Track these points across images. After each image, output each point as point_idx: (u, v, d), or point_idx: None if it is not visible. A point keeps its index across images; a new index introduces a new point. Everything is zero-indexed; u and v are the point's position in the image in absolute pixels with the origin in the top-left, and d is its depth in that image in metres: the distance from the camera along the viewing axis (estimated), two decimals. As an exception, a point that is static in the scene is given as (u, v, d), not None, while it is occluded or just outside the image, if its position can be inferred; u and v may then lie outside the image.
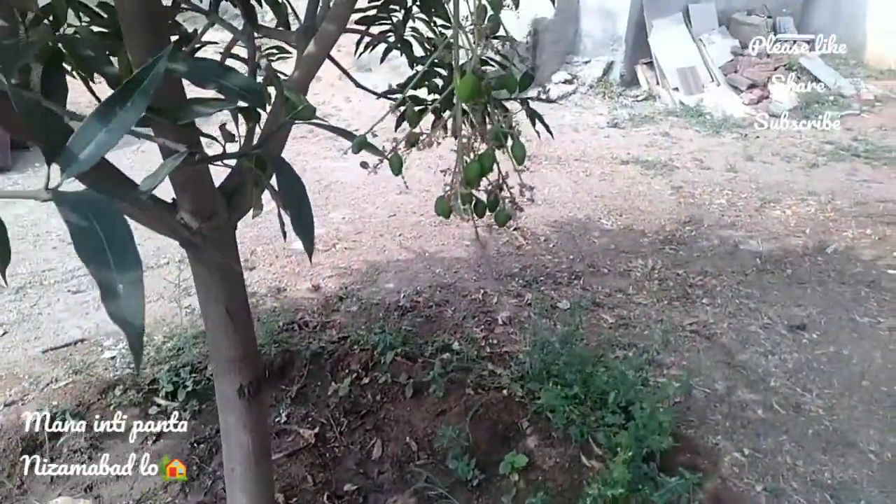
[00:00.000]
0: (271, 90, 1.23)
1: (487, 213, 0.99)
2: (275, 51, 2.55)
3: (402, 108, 2.24)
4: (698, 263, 3.60)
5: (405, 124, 1.04)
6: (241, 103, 0.84)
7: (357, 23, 2.27)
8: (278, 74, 1.56)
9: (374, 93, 2.22)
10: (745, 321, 3.07)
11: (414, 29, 2.37)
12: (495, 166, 0.94)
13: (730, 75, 7.15)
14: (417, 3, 2.32)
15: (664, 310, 3.15)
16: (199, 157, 0.93)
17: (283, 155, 1.44)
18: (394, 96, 2.20)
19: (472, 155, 0.91)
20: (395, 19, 2.36)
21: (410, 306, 3.07)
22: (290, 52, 2.20)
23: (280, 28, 1.92)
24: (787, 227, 4.08)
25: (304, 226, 0.84)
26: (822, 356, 2.82)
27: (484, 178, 0.94)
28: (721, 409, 2.45)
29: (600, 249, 3.75)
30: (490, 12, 0.89)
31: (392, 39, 2.37)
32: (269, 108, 1.26)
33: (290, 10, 1.96)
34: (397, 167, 0.99)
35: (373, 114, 6.10)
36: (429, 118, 1.05)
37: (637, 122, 6.34)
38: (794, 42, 7.60)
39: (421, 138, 0.98)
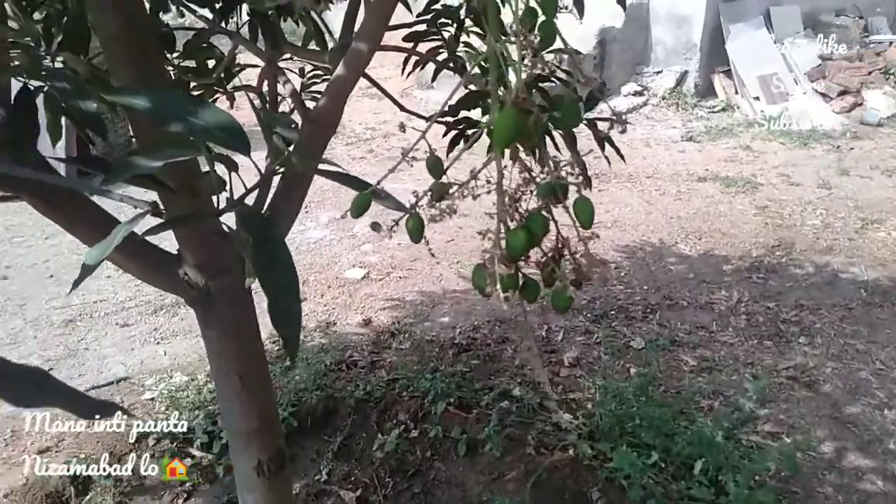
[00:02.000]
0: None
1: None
2: (320, 72, 2.37)
3: (452, 134, 1.99)
4: (792, 295, 3.19)
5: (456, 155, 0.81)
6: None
7: (404, 39, 2.06)
8: (304, 104, 1.36)
9: (422, 116, 1.99)
10: (852, 366, 2.65)
11: (468, 44, 2.14)
12: (552, 225, 0.69)
13: (818, 81, 6.59)
14: (471, 15, 2.09)
15: (754, 350, 2.77)
16: (167, 219, 0.72)
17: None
18: (444, 119, 1.97)
19: (516, 217, 0.67)
20: (446, 34, 2.14)
21: (466, 344, 2.82)
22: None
23: (312, 48, 1.73)
24: (894, 252, 3.60)
25: (285, 316, 0.61)
26: (950, 411, 2.39)
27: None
28: (830, 478, 2.07)
29: (678, 278, 3.39)
30: (541, 17, 0.65)
31: (443, 57, 2.15)
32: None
33: (324, 28, 1.76)
34: (417, 231, 0.76)
35: (437, 134, 5.91)
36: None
37: (714, 135, 5.89)
38: (891, 43, 6.98)
39: (451, 192, 0.74)
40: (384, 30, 1.28)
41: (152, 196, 0.87)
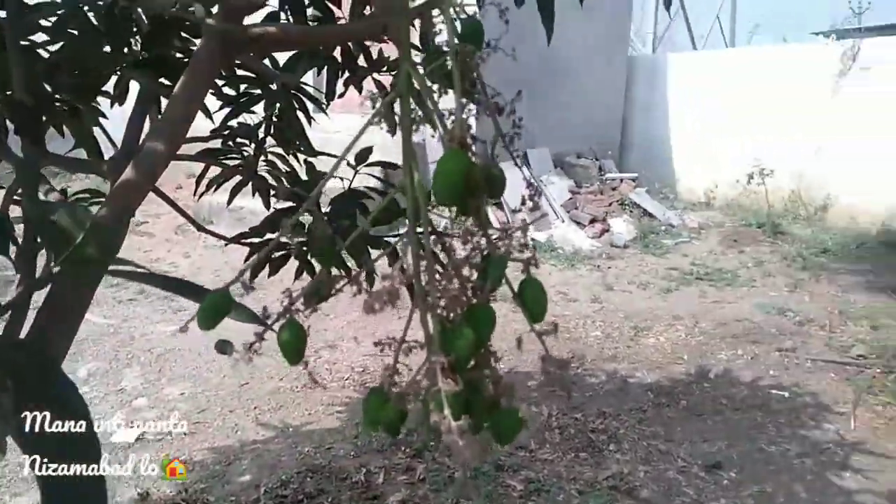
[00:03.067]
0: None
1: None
2: (86, 195, 2.01)
3: (258, 255, 1.76)
4: (594, 404, 3.32)
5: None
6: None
7: (195, 157, 1.83)
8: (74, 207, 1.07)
9: (224, 238, 1.75)
10: (660, 467, 2.76)
11: (269, 163, 1.97)
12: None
13: (572, 212, 7.51)
14: (272, 133, 1.95)
15: (573, 465, 2.76)
16: None
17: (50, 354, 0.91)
18: (248, 241, 1.75)
19: (451, 314, 0.50)
20: (244, 153, 1.96)
21: (275, 504, 2.41)
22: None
23: (85, 159, 1.44)
24: (666, 355, 3.99)
25: None
26: (749, 499, 2.55)
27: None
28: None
29: (489, 400, 3.35)
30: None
31: (240, 177, 1.96)
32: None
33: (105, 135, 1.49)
34: (295, 347, 0.54)
35: (217, 267, 5.50)
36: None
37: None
38: (621, 180, 8.28)
39: (337, 286, 0.55)
40: (187, 127, 1.07)
41: None
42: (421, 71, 0.52)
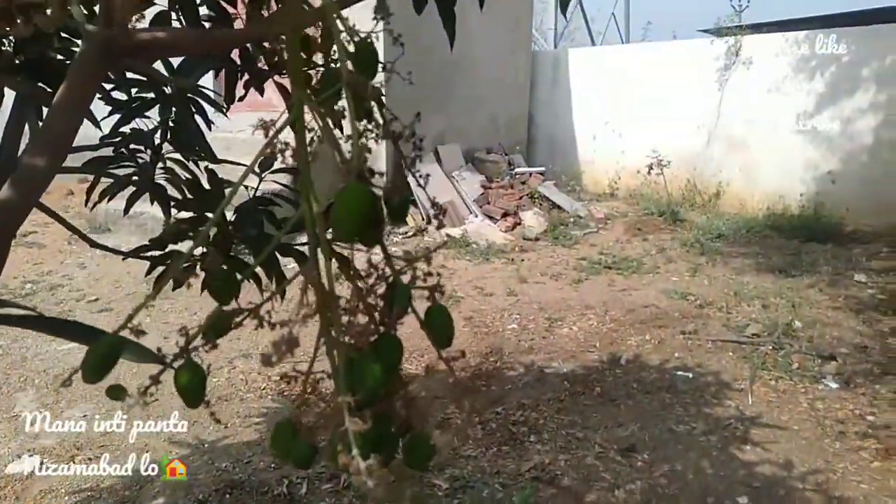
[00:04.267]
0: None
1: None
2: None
3: (158, 270, 1.67)
4: (513, 397, 3.38)
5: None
6: None
7: (84, 167, 1.71)
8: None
9: (120, 252, 1.64)
10: (579, 454, 2.84)
11: (167, 170, 1.87)
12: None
13: (484, 206, 7.61)
14: (169, 138, 1.85)
15: (496, 459, 2.80)
16: None
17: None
18: (149, 254, 1.65)
19: (358, 345, 0.48)
20: (140, 160, 1.84)
21: (192, 526, 2.31)
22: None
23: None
24: (579, 344, 4.12)
25: None
26: (661, 478, 2.68)
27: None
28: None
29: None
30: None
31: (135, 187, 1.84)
32: None
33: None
34: (194, 390, 0.51)
35: (116, 278, 5.18)
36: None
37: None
38: (530, 174, 8.47)
39: (237, 320, 0.52)
40: (71, 139, 0.99)
41: None
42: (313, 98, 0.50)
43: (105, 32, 0.85)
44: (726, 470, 2.72)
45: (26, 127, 1.44)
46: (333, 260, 0.49)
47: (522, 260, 6.20)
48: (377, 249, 0.52)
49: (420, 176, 0.53)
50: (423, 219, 7.26)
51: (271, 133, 0.50)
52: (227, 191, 1.73)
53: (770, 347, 3.94)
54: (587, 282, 5.48)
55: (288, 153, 0.49)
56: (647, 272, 5.73)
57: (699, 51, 8.47)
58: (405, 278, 0.52)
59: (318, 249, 0.47)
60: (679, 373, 3.68)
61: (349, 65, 0.48)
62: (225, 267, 0.51)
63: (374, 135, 0.48)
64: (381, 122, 0.49)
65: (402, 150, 0.52)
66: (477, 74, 8.54)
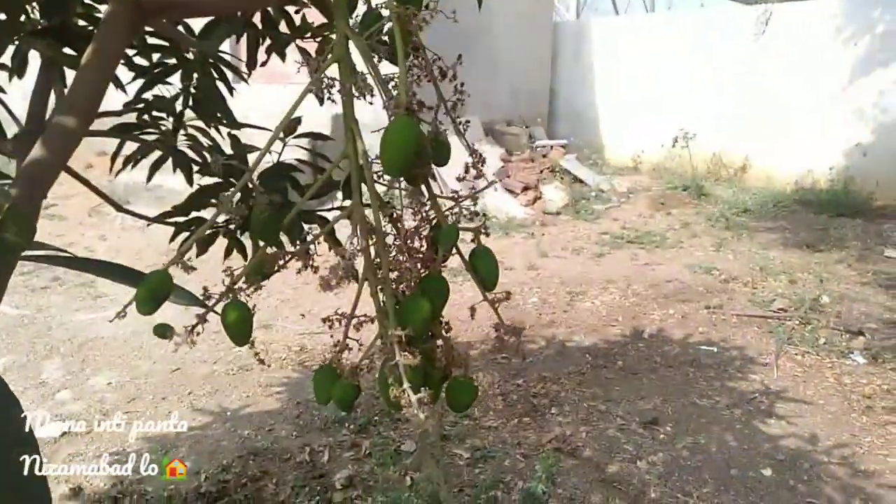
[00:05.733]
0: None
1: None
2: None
3: (185, 235, 1.66)
4: (534, 370, 3.37)
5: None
6: None
7: (110, 132, 1.70)
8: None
9: (146, 217, 1.64)
10: (600, 426, 2.83)
11: (190, 136, 1.86)
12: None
13: (504, 180, 7.55)
14: (191, 104, 1.83)
15: (517, 430, 2.80)
16: None
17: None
18: (172, 220, 1.65)
19: (400, 286, 0.47)
20: (162, 127, 1.83)
21: (217, 491, 2.34)
22: (10, 177, 1.56)
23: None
24: (601, 318, 4.09)
25: None
26: (683, 450, 2.66)
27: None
28: (619, 543, 2.10)
29: (431, 371, 3.35)
30: None
31: (159, 151, 1.83)
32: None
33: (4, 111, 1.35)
34: (241, 327, 0.50)
35: (137, 249, 5.24)
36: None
37: (431, 231, 6.28)
38: (552, 147, 8.36)
39: (277, 262, 0.50)
40: (99, 101, 0.98)
41: None
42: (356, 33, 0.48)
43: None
44: (750, 443, 2.69)
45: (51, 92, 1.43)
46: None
47: (543, 234, 6.16)
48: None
49: (460, 123, 0.51)
50: (440, 191, 7.23)
51: (313, 78, 0.48)
52: (251, 156, 1.72)
53: (796, 322, 3.88)
54: (609, 256, 5.43)
55: (335, 88, 0.48)
56: (671, 247, 5.66)
57: (727, 20, 8.25)
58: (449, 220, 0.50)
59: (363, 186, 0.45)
60: (703, 347, 3.64)
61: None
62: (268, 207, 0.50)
63: (416, 75, 0.46)
64: (423, 60, 0.47)
65: (442, 93, 0.50)
66: (497, 46, 8.40)
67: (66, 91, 1.36)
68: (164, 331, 0.48)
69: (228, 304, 0.47)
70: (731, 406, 2.99)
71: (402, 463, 2.53)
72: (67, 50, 1.31)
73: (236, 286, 0.46)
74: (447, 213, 0.50)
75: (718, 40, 8.23)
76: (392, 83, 0.45)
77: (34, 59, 1.40)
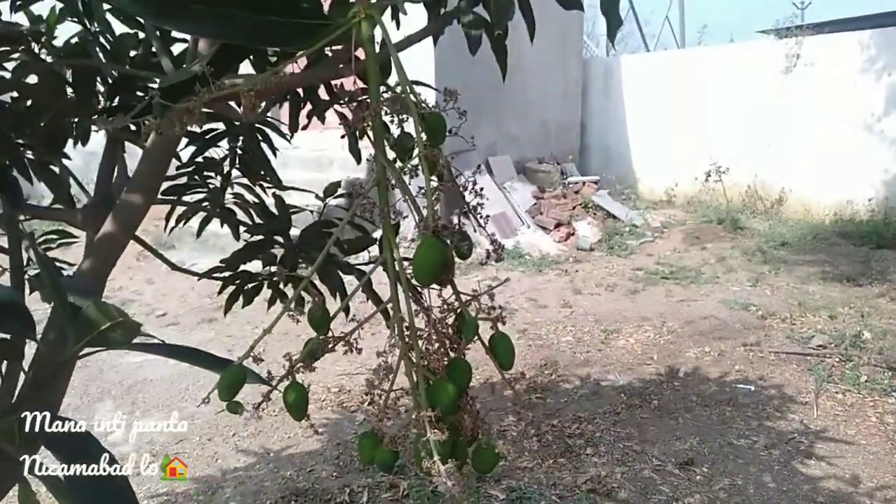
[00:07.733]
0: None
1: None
2: (54, 236, 2.03)
3: (230, 289, 1.78)
4: (569, 409, 3.39)
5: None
6: None
7: (164, 193, 1.85)
8: (57, 267, 1.09)
9: (195, 273, 1.77)
10: (636, 467, 2.84)
11: (237, 195, 2.00)
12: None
13: (536, 217, 7.63)
14: (238, 166, 1.97)
15: (552, 471, 2.83)
16: None
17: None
18: (220, 275, 1.77)
19: (428, 370, 0.55)
20: (211, 186, 1.98)
21: (260, 532, 2.42)
22: (77, 237, 1.71)
23: (57, 206, 1.45)
24: (636, 356, 4.09)
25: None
26: (721, 492, 2.65)
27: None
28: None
29: (466, 411, 3.40)
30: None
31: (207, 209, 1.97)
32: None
33: (74, 182, 1.50)
34: (299, 406, 0.60)
35: (182, 293, 5.44)
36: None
37: (465, 270, 6.34)
38: (583, 183, 8.43)
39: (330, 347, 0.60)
40: (162, 179, 1.10)
41: None
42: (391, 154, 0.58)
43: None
44: (789, 485, 2.66)
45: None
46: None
47: (577, 271, 6.19)
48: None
49: (481, 217, 0.60)
50: (473, 230, 7.33)
51: (361, 193, 0.58)
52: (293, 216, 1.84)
53: (837, 359, 3.83)
54: (644, 292, 5.43)
55: (375, 212, 0.57)
56: (706, 282, 5.63)
57: (758, 53, 8.28)
58: (471, 310, 0.60)
59: (399, 287, 0.54)
60: (740, 386, 3.61)
61: (423, 136, 0.55)
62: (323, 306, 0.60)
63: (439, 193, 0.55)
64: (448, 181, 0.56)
65: (466, 199, 0.59)
66: (528, 84, 8.57)
67: (128, 165, 1.50)
68: (235, 407, 0.57)
69: (289, 385, 0.56)
70: (770, 446, 2.96)
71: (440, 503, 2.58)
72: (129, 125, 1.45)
73: (294, 368, 0.56)
74: (468, 304, 0.58)
75: (749, 73, 8.25)
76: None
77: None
